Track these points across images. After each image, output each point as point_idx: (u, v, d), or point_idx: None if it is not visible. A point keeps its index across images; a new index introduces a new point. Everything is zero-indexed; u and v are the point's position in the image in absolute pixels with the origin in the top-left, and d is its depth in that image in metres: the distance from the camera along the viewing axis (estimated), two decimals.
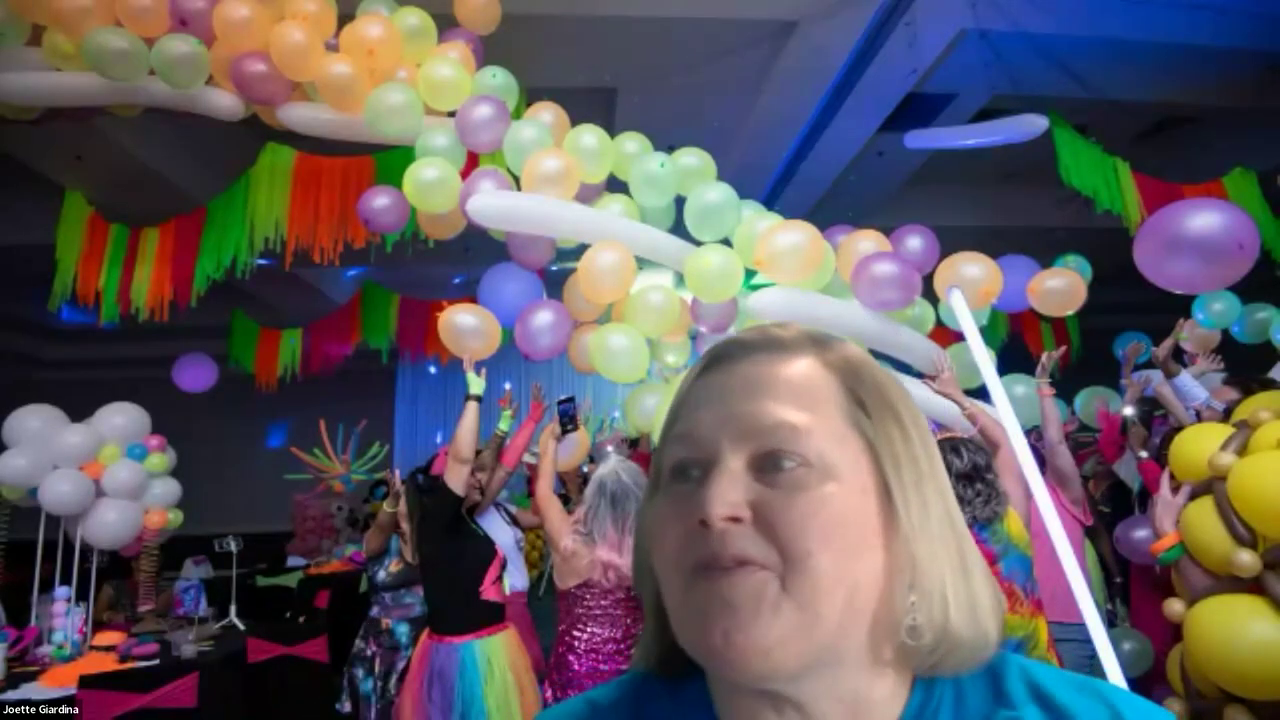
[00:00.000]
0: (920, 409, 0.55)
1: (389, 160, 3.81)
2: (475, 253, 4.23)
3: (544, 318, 3.32)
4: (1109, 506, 3.78)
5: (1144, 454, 3.17)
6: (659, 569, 0.50)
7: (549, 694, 2.58)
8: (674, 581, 0.48)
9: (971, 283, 3.08)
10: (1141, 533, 3.00)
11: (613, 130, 3.48)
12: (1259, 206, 4.70)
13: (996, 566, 2.17)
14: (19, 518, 3.91)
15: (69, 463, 3.67)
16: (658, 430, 3.21)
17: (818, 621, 0.45)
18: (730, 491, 0.46)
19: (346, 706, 3.43)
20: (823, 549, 0.45)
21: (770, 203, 4.52)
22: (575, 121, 3.46)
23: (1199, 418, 2.91)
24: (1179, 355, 3.49)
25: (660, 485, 0.52)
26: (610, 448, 3.70)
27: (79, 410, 3.89)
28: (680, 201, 3.42)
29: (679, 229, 3.42)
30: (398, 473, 3.47)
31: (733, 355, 0.53)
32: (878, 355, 2.39)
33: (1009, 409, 2.70)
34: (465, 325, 3.26)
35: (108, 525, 3.71)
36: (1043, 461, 2.83)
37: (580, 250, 3.29)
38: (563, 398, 2.99)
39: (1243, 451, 1.96)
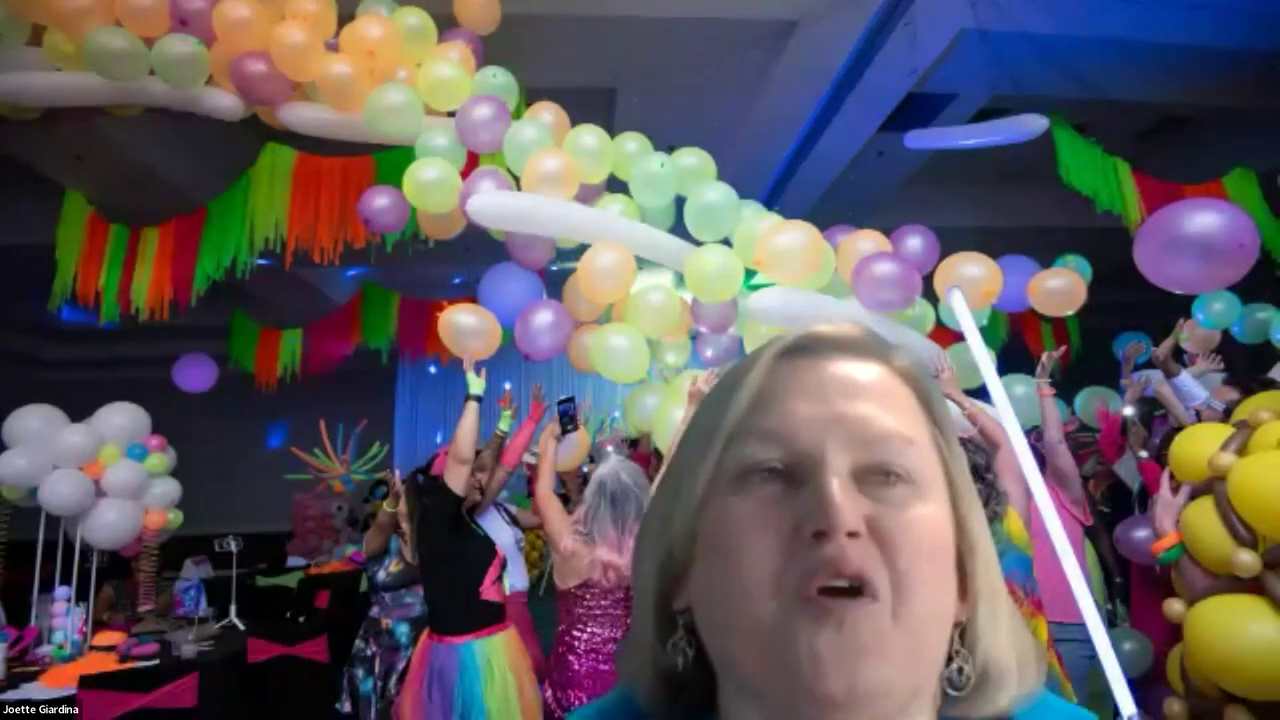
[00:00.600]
0: None
1: (389, 160, 3.80)
2: (475, 253, 4.22)
3: (544, 318, 3.32)
4: (1109, 506, 3.77)
5: (1144, 454, 3.17)
6: (731, 585, 0.41)
7: (549, 694, 2.58)
8: (761, 602, 0.40)
9: (971, 283, 3.08)
10: (1141, 533, 3.00)
11: (613, 130, 3.47)
12: (1259, 206, 4.69)
13: None
14: (19, 518, 3.90)
15: (69, 463, 3.67)
16: (658, 429, 3.24)
17: (920, 659, 0.40)
18: (851, 502, 0.40)
19: (346, 706, 3.43)
20: (930, 576, 0.40)
21: (770, 203, 4.51)
22: (575, 121, 3.46)
23: (1199, 418, 2.91)
24: (1179, 355, 3.49)
25: (724, 483, 0.44)
26: (610, 448, 3.70)
27: (79, 410, 3.88)
28: (680, 201, 3.42)
29: (679, 229, 3.42)
30: (398, 473, 3.47)
31: (814, 350, 0.46)
32: None
33: (1009, 409, 2.71)
34: (465, 325, 3.27)
35: (108, 525, 3.71)
36: (1043, 461, 2.83)
37: (580, 250, 3.29)
38: (563, 398, 2.99)
39: (1243, 451, 1.96)
